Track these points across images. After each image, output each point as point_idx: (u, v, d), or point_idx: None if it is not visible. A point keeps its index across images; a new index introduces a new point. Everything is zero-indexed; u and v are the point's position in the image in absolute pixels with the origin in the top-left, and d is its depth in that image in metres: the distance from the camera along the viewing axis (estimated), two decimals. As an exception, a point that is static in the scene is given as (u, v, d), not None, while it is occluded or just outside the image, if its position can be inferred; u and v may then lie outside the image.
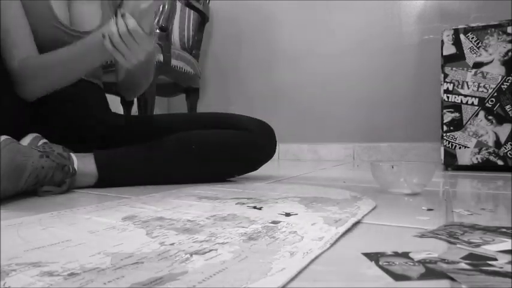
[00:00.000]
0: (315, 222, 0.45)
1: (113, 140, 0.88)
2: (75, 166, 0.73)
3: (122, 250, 0.34)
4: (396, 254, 0.33)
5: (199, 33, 1.89)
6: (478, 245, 0.37)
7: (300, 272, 0.29)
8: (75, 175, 0.73)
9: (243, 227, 0.43)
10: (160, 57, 1.50)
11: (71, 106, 0.88)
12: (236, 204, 0.58)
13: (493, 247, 0.36)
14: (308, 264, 0.31)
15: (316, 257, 0.33)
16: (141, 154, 0.83)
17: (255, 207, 0.55)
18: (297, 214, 0.50)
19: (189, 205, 0.57)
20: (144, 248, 0.35)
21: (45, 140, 0.74)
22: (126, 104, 1.76)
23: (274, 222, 0.46)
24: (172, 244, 0.36)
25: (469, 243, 0.38)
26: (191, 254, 0.33)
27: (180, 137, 0.87)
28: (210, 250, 0.34)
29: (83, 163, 0.76)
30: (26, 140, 0.71)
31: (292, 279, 0.28)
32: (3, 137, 0.61)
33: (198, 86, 1.85)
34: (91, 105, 0.93)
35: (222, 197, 0.65)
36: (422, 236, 0.41)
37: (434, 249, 0.35)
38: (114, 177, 0.79)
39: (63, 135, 0.81)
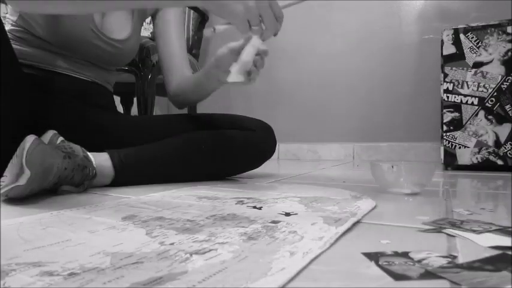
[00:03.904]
0: (315, 222, 0.45)
1: (119, 139, 0.89)
2: (95, 167, 0.74)
3: (122, 250, 0.34)
4: (396, 254, 0.33)
5: (199, 32, 1.89)
6: (480, 232, 0.39)
7: (299, 272, 0.29)
8: (95, 177, 0.74)
9: (243, 227, 0.43)
10: (160, 57, 1.50)
11: (81, 105, 0.90)
12: (236, 204, 0.58)
13: (494, 236, 0.39)
14: (308, 264, 0.31)
15: (316, 257, 0.33)
16: (154, 154, 0.85)
17: (254, 207, 0.55)
18: (296, 214, 0.50)
19: (188, 205, 0.57)
20: (144, 248, 0.35)
21: (62, 138, 0.74)
22: (126, 104, 1.76)
23: (274, 222, 0.46)
24: (172, 244, 0.36)
25: (472, 231, 0.40)
26: (191, 254, 0.33)
27: (191, 137, 0.90)
28: (210, 250, 0.34)
29: (99, 162, 0.76)
30: (46, 138, 0.72)
31: (292, 278, 0.28)
32: (31, 137, 0.61)
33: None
34: (101, 106, 0.95)
35: (221, 197, 0.65)
36: (424, 224, 0.43)
37: (434, 248, 0.35)
38: (129, 177, 0.81)
39: (71, 132, 0.82)
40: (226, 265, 0.30)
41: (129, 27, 0.95)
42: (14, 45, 0.84)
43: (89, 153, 0.75)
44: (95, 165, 0.74)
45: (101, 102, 0.96)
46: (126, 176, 0.80)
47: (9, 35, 0.85)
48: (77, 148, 0.72)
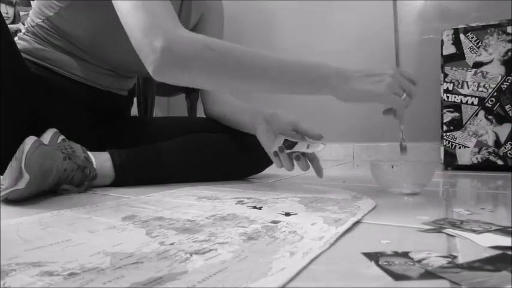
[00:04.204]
0: (315, 222, 0.45)
1: (120, 140, 0.89)
2: (95, 168, 0.74)
3: (122, 250, 0.35)
4: (396, 254, 0.33)
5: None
6: (480, 232, 0.40)
7: (299, 272, 0.29)
8: (96, 178, 0.74)
9: (243, 227, 0.43)
10: (160, 57, 1.50)
11: (86, 113, 0.90)
12: (236, 204, 0.58)
13: (494, 236, 0.39)
14: (308, 264, 0.31)
15: (316, 257, 0.33)
16: (155, 155, 0.84)
17: (254, 207, 0.55)
18: (296, 214, 0.50)
19: (188, 205, 0.57)
20: (144, 248, 0.35)
21: (63, 137, 0.74)
22: (126, 104, 1.76)
23: (274, 222, 0.46)
24: (172, 244, 0.36)
25: (472, 231, 0.41)
26: (191, 254, 0.33)
27: (193, 140, 0.88)
28: (210, 250, 0.34)
29: (100, 163, 0.76)
30: (47, 137, 0.72)
31: (292, 278, 0.28)
32: (31, 139, 0.60)
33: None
34: (109, 112, 0.95)
35: (221, 197, 0.65)
36: (424, 224, 0.43)
37: (434, 248, 0.35)
38: (129, 177, 0.80)
39: (73, 134, 0.81)
40: (226, 265, 0.30)
41: None
42: (34, 42, 0.84)
43: (89, 153, 0.75)
44: (95, 167, 0.74)
45: (110, 109, 0.96)
46: (126, 177, 0.79)
47: (32, 29, 0.84)
48: (78, 148, 0.72)
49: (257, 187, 0.80)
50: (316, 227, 0.43)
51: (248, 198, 0.63)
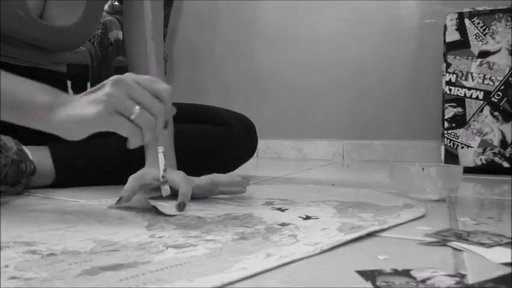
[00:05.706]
0: (328, 227, 0.47)
1: None
2: (32, 160, 0.71)
3: (112, 238, 0.41)
4: (396, 272, 0.33)
5: (167, 7, 1.86)
6: (490, 246, 0.40)
7: (262, 273, 0.32)
8: (34, 175, 0.71)
9: (246, 227, 0.47)
10: (120, 35, 1.46)
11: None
12: (263, 204, 0.63)
13: (506, 250, 0.39)
14: (278, 267, 0.33)
15: (294, 261, 0.35)
16: (105, 149, 0.81)
17: (279, 209, 0.59)
18: (317, 218, 0.53)
19: (213, 202, 0.64)
20: (132, 239, 0.41)
21: None
22: (78, 90, 1.71)
23: (283, 224, 0.49)
24: (161, 237, 0.42)
25: (481, 244, 0.41)
26: (167, 247, 0.38)
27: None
28: (190, 245, 0.39)
29: (38, 158, 0.73)
30: None
31: (251, 277, 0.31)
32: None
33: (165, 70, 1.81)
34: None
35: (255, 197, 0.70)
36: (427, 236, 0.44)
37: (439, 265, 0.35)
38: (74, 176, 0.77)
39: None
40: (191, 260, 0.34)
41: (80, 11, 0.84)
42: None
43: (24, 147, 0.72)
44: (32, 159, 0.71)
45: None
46: (70, 176, 0.76)
47: None
48: (9, 140, 0.69)
49: (304, 189, 0.81)
50: (323, 233, 0.45)
51: (282, 200, 0.67)
